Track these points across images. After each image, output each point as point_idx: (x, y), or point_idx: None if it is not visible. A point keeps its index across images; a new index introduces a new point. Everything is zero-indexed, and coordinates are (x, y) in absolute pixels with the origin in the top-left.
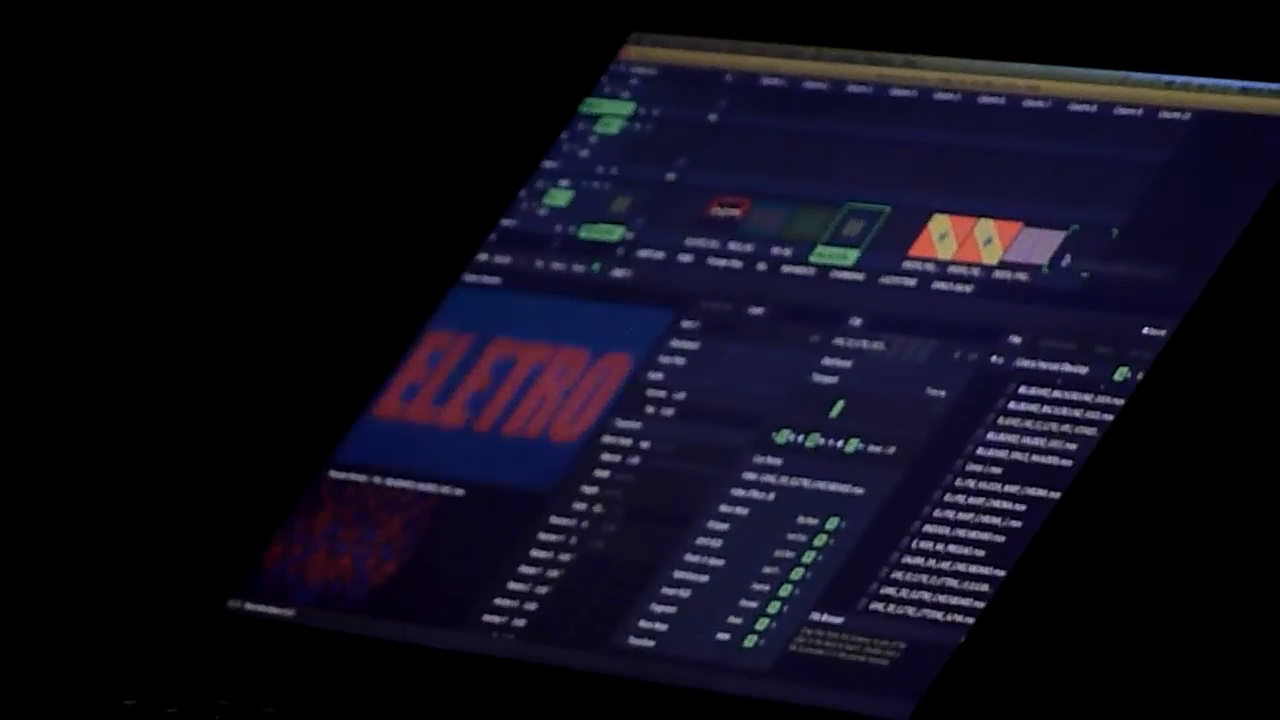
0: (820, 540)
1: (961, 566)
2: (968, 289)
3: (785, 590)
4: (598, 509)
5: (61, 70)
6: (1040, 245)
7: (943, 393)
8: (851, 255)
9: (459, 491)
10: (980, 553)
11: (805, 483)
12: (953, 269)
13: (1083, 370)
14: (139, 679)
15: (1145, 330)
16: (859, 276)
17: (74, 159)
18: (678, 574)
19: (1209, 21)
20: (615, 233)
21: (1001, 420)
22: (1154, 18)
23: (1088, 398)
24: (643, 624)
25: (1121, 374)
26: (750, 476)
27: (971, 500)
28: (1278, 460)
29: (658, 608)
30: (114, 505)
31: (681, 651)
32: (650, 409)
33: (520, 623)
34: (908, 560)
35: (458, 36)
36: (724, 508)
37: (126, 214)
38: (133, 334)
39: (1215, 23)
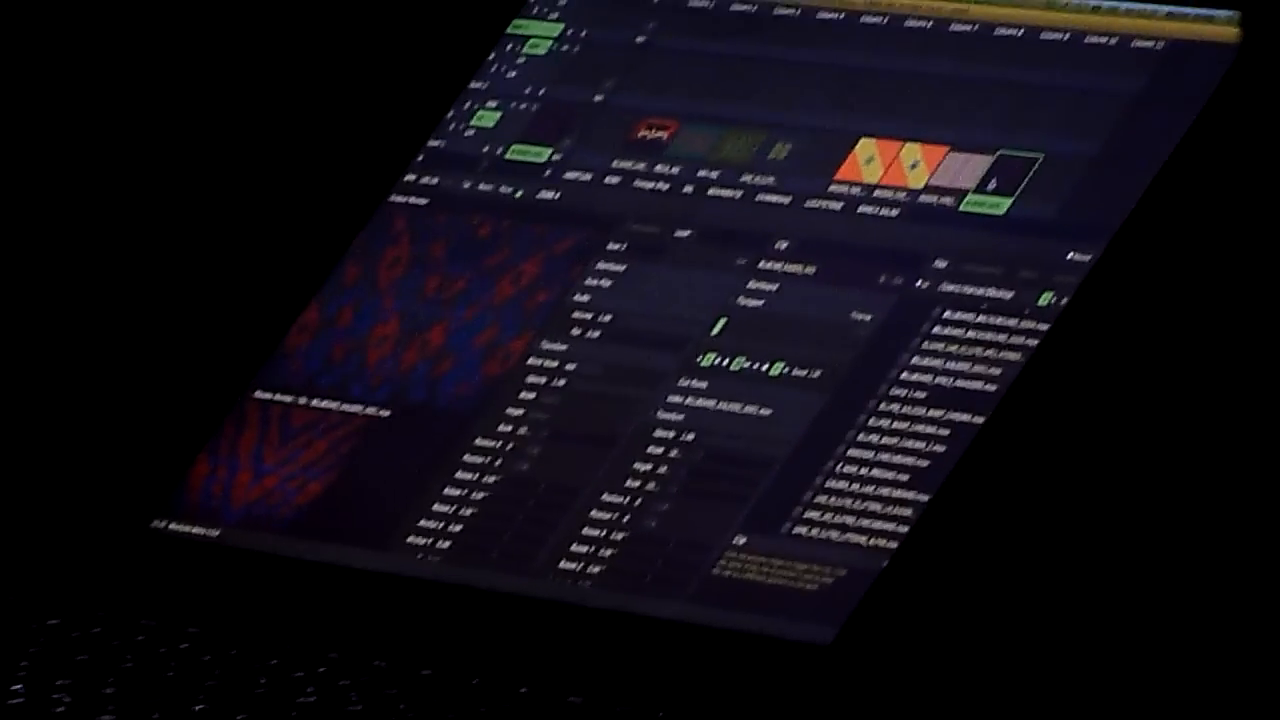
0: (744, 464)
1: (885, 491)
2: (893, 213)
3: (708, 514)
4: (523, 431)
5: None
6: (966, 170)
7: (868, 317)
8: (771, 167)
9: (384, 413)
10: (904, 477)
11: (730, 406)
12: (879, 193)
13: (1007, 295)
14: (63, 598)
15: (1070, 256)
16: (785, 200)
17: None
18: (602, 496)
19: None
20: (542, 154)
21: (926, 345)
22: None
23: (1012, 323)
24: (567, 546)
25: (1046, 299)
26: (675, 399)
27: (896, 425)
28: (1198, 386)
29: (582, 530)
30: (39, 425)
31: (604, 574)
32: (576, 331)
33: (445, 544)
34: (831, 485)
35: None
36: (648, 431)
37: (55, 156)
38: (60, 259)
39: None
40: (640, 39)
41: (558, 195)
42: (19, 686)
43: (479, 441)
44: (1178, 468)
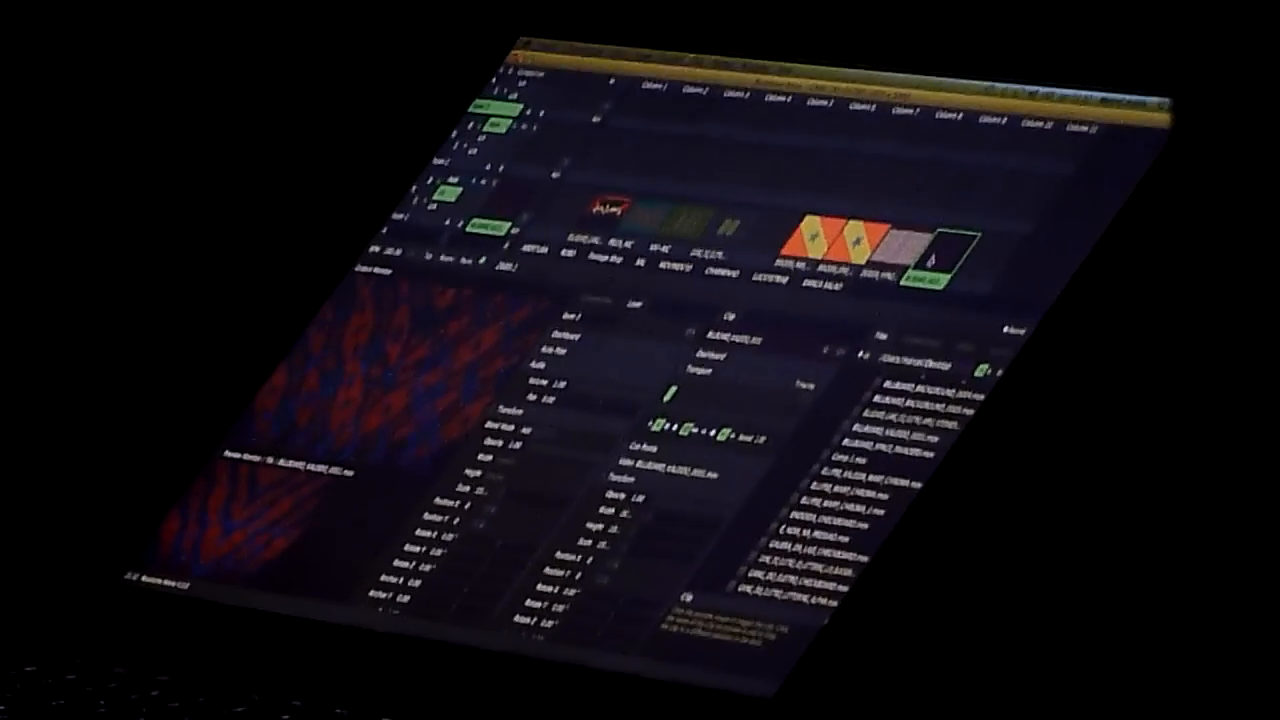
0: (691, 525)
1: (827, 552)
2: (837, 287)
3: (657, 572)
4: (480, 491)
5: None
6: (907, 246)
7: (811, 386)
8: (722, 243)
9: (348, 473)
10: (845, 539)
11: (679, 469)
12: (823, 268)
13: (945, 366)
14: (39, 647)
15: (1006, 329)
16: (733, 273)
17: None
18: (556, 554)
19: (1070, 36)
20: (501, 228)
21: (867, 413)
22: (1018, 31)
23: (949, 393)
24: (522, 601)
25: (982, 371)
26: (626, 463)
27: (837, 489)
28: (1127, 456)
29: (536, 586)
30: (17, 482)
31: (557, 628)
32: (532, 396)
33: (405, 599)
34: (775, 545)
35: (355, 35)
36: (600, 492)
37: (38, 204)
38: (35, 320)
39: (1077, 36)
40: (596, 119)
41: (515, 267)
42: None
43: (438, 501)
44: (1106, 531)
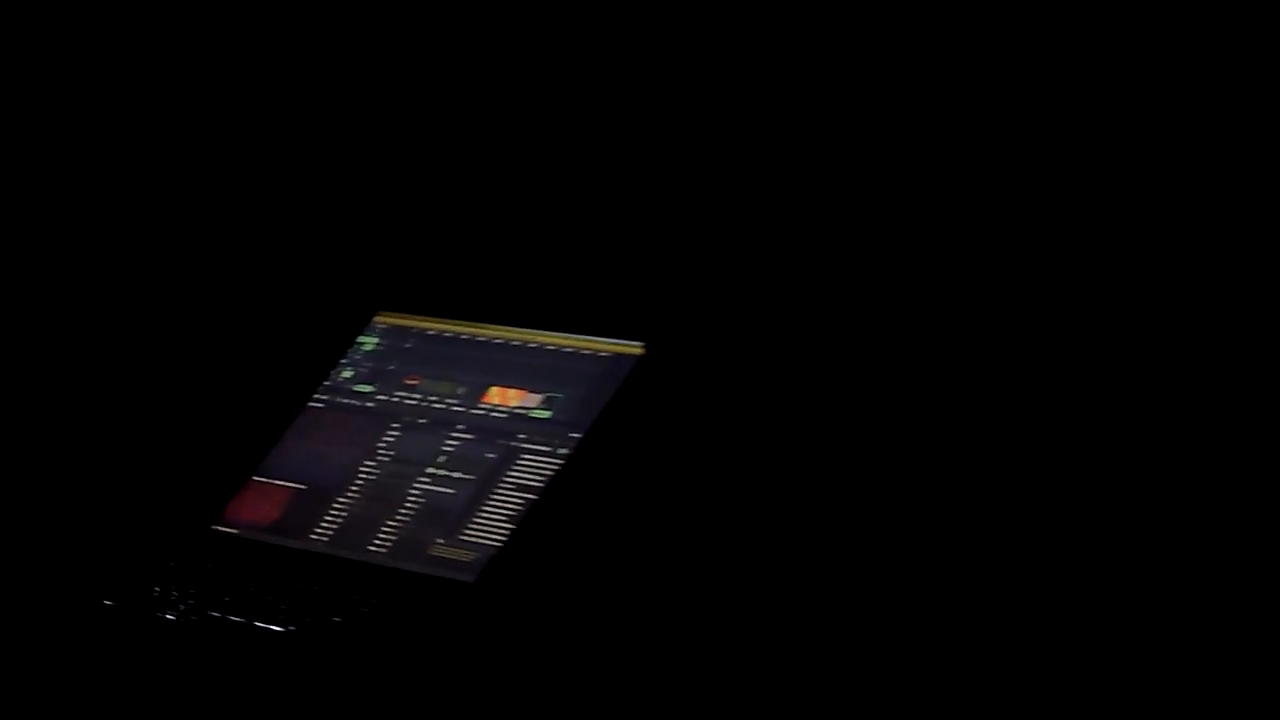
0: (446, 511)
1: (500, 524)
2: (505, 416)
3: (429, 530)
4: (354, 496)
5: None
6: (533, 400)
7: (494, 456)
8: (457, 397)
9: (303, 486)
10: (508, 517)
11: (439, 489)
12: (499, 408)
13: (547, 448)
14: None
15: (570, 434)
16: (462, 408)
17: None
18: (387, 522)
19: (599, 308)
20: (368, 389)
21: (514, 469)
22: (585, 308)
23: (549, 461)
24: (376, 538)
25: (562, 452)
26: (417, 488)
27: (505, 498)
28: (636, 501)
29: (381, 531)
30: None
31: (388, 548)
32: (380, 458)
33: (327, 537)
34: (479, 519)
35: (313, 305)
36: (404, 498)
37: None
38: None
39: (601, 308)
40: (408, 345)
41: (374, 405)
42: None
43: (339, 500)
44: (626, 537)
